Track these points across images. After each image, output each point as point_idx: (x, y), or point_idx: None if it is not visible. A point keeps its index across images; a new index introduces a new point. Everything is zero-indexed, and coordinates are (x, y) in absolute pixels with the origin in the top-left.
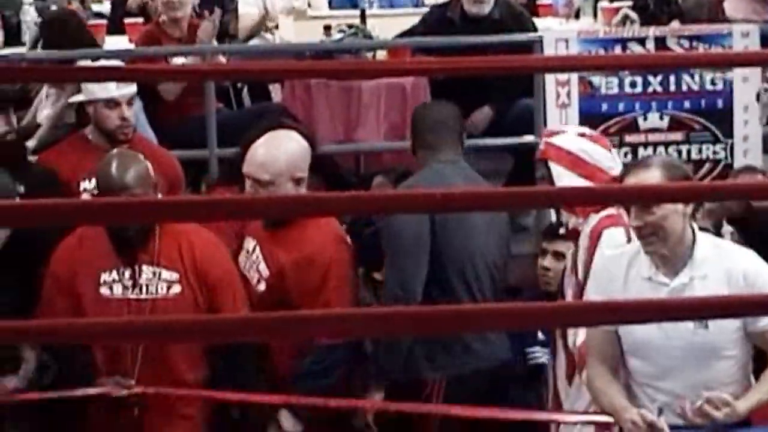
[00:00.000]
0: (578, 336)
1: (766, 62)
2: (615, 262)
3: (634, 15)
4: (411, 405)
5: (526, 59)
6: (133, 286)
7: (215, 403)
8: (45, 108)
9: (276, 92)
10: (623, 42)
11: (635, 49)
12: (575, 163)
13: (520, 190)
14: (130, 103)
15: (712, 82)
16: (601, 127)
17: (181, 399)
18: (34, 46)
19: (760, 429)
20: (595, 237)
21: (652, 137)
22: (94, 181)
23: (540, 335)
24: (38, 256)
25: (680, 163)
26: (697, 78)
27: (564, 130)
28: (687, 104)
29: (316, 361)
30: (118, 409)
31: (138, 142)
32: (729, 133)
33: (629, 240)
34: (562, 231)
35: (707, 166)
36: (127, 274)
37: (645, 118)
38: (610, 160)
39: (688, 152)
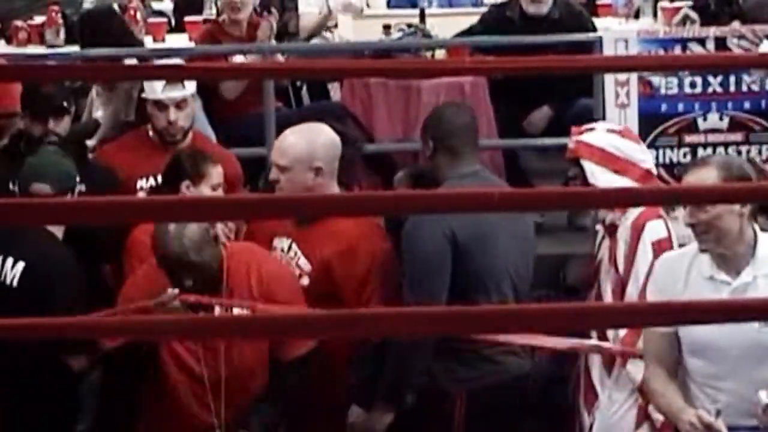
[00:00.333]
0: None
1: None
2: (676, 263)
3: (694, 15)
4: None
5: (585, 59)
6: None
7: None
8: (98, 109)
9: (335, 91)
10: (683, 42)
11: (695, 49)
12: (607, 158)
13: (576, 190)
14: (179, 106)
15: None
16: (660, 128)
17: None
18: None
19: None
20: (638, 229)
21: (712, 138)
22: (151, 179)
23: None
24: (97, 254)
25: (741, 162)
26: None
27: (593, 127)
28: (747, 105)
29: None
30: None
31: (197, 140)
32: None
33: (669, 232)
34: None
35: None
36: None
37: (704, 119)
38: (640, 153)
39: (748, 153)
